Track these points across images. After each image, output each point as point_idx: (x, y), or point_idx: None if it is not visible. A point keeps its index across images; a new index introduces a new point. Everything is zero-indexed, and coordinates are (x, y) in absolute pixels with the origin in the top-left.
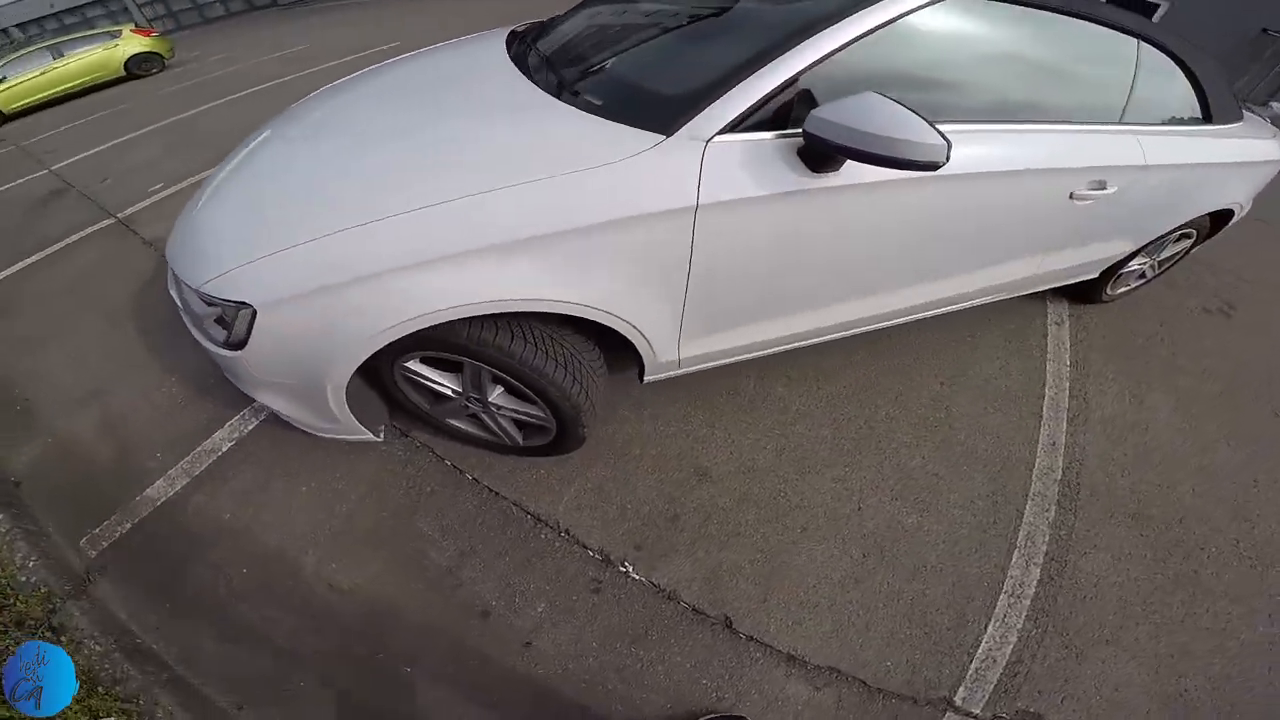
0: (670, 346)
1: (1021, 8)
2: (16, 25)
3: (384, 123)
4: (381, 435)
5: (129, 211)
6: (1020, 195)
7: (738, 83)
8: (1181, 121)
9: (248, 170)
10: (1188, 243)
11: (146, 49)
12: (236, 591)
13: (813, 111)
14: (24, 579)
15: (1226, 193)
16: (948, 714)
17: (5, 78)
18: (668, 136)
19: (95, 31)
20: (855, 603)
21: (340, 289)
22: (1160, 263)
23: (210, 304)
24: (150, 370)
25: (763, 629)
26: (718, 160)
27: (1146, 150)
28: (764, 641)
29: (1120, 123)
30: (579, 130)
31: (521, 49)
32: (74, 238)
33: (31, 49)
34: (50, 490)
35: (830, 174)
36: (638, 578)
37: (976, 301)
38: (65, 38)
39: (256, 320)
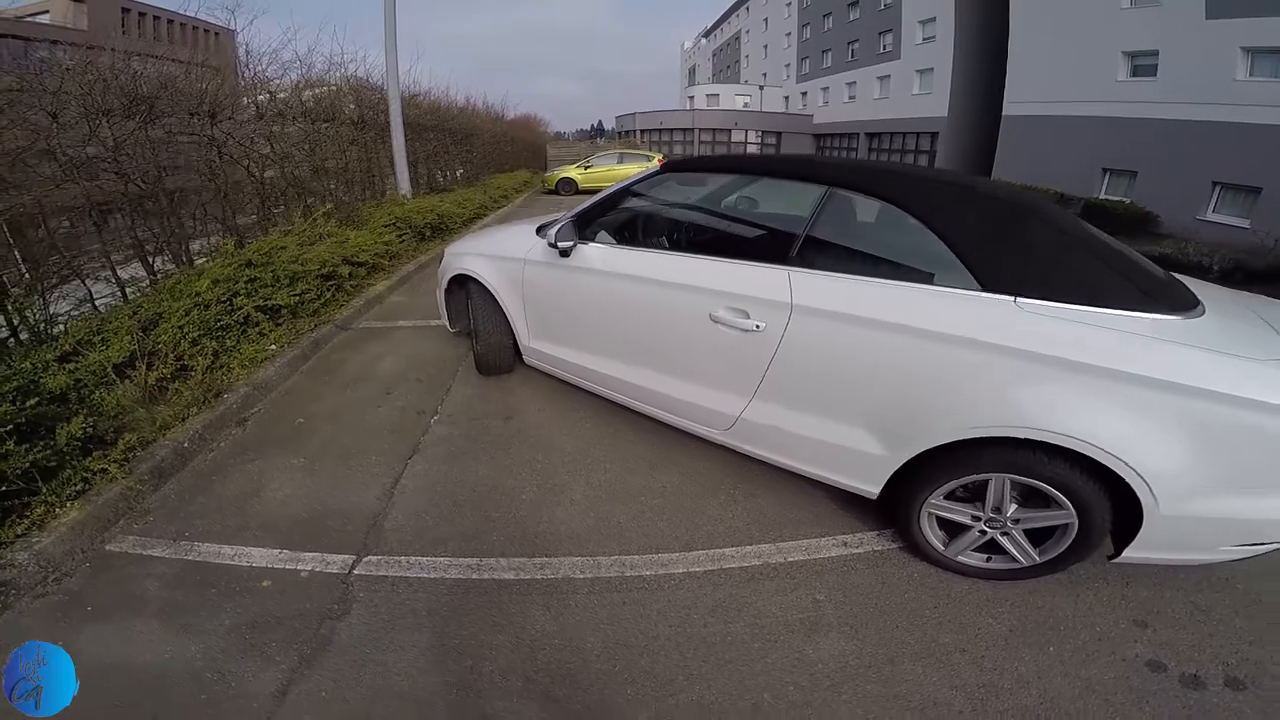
0: (525, 334)
1: (729, 173)
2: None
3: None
4: (453, 330)
5: None
6: (667, 304)
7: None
8: (915, 277)
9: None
10: (1060, 518)
11: None
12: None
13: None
14: None
15: (1015, 406)
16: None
17: (592, 165)
18: (537, 234)
19: (641, 152)
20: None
21: (457, 255)
22: (1032, 537)
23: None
24: None
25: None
26: (538, 243)
27: (799, 287)
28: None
29: (786, 263)
30: (526, 235)
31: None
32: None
33: (609, 153)
34: None
35: (566, 259)
36: (436, 418)
37: (721, 437)
38: (628, 150)
39: (445, 257)
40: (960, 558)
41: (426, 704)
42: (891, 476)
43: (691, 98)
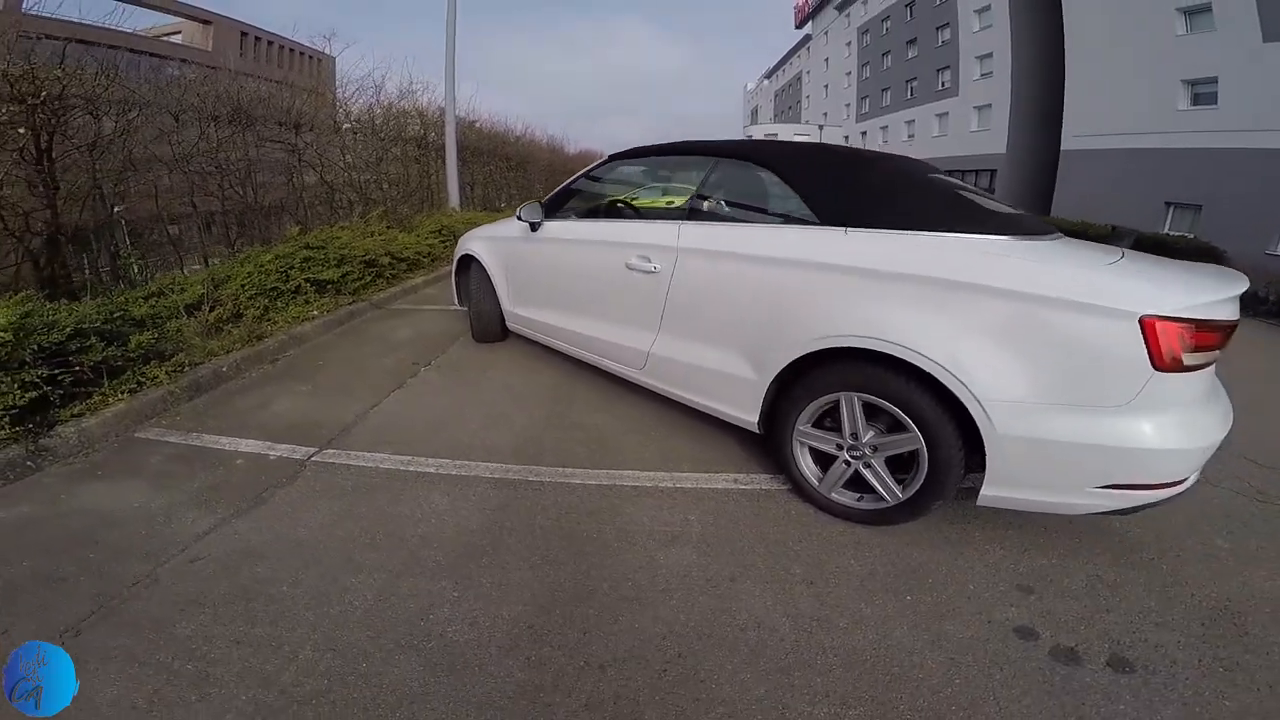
0: (507, 300)
1: (654, 157)
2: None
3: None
4: (462, 307)
5: None
6: (599, 259)
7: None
8: (771, 220)
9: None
10: (909, 442)
11: None
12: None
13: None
14: None
15: (838, 316)
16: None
17: (638, 196)
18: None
19: (685, 186)
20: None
21: (465, 239)
22: (895, 472)
23: None
24: None
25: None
26: (518, 224)
27: (684, 234)
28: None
29: (681, 218)
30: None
31: None
32: None
33: (655, 186)
34: None
35: (535, 233)
36: (427, 367)
37: (652, 382)
38: (673, 184)
39: (458, 244)
40: (834, 495)
41: (310, 548)
42: (768, 407)
43: (750, 136)
